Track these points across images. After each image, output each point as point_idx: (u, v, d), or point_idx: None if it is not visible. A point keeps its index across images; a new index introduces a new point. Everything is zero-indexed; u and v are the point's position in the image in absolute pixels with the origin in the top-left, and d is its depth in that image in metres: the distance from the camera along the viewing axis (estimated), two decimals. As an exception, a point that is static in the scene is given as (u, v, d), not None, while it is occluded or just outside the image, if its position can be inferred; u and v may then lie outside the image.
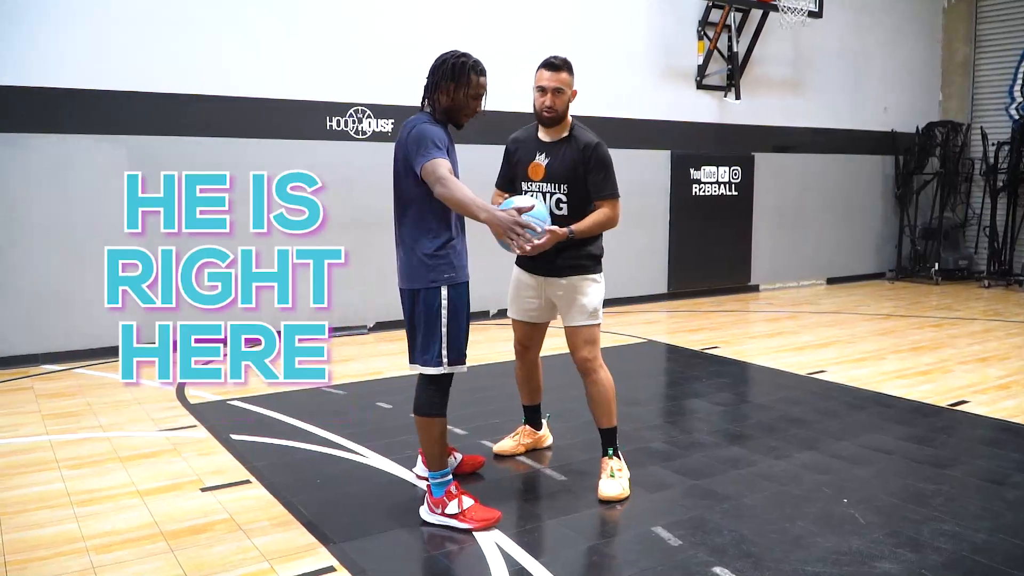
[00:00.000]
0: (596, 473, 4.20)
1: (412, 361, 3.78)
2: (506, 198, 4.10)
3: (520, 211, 3.49)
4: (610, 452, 4.19)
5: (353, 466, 4.50)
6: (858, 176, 12.40)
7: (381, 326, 8.22)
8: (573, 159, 4.10)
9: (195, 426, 5.22)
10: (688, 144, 10.50)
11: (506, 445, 4.65)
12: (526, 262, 4.25)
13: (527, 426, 4.70)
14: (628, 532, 3.74)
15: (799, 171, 11.68)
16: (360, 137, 8.12)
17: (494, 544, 3.54)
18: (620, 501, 4.00)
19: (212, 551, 3.49)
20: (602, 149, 4.11)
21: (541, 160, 4.15)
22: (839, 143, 12.05)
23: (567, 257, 4.13)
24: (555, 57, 4.12)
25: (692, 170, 10.55)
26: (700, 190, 10.64)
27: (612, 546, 3.62)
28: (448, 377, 3.72)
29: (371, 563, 3.39)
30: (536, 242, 3.68)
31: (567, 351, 4.25)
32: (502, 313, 8.98)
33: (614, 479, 4.08)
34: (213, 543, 3.57)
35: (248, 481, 4.28)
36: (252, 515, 3.86)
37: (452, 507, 3.71)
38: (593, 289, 4.18)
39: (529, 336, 4.45)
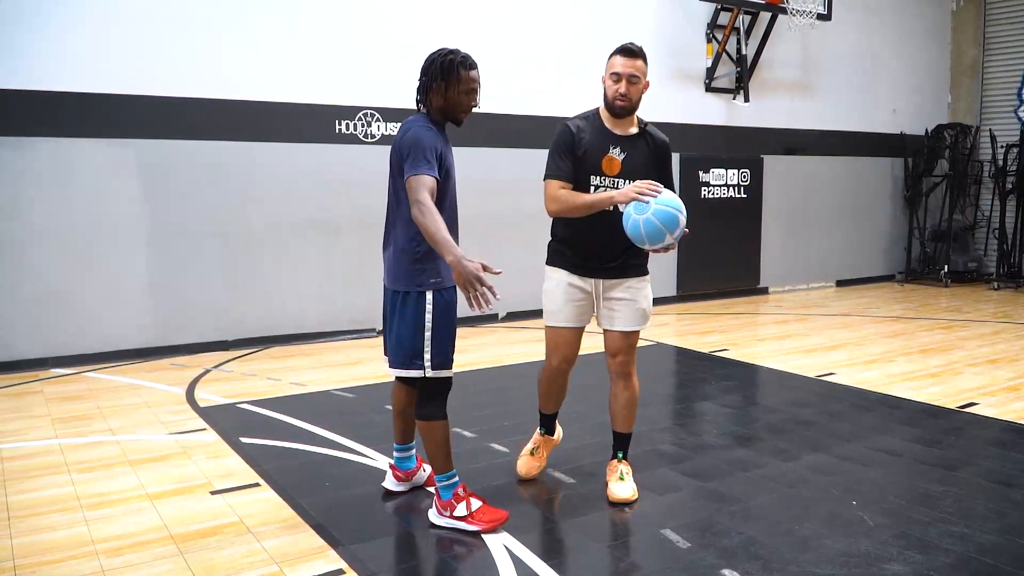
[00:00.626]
0: (604, 475, 4.21)
1: (392, 365, 3.71)
2: (570, 190, 3.89)
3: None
4: (621, 455, 4.19)
5: (362, 469, 4.51)
6: (867, 178, 12.38)
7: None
8: (650, 156, 4.01)
9: (204, 429, 5.23)
10: (697, 146, 10.50)
11: (532, 466, 4.36)
12: (579, 265, 4.02)
13: (544, 436, 4.44)
14: (637, 534, 3.74)
15: (808, 173, 11.67)
16: (369, 140, 8.13)
17: (503, 546, 3.54)
18: (630, 504, 4.00)
19: (221, 554, 3.50)
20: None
21: (616, 154, 3.94)
22: (848, 145, 12.04)
23: (631, 256, 4.01)
24: (632, 44, 3.94)
25: (701, 172, 10.55)
26: (709, 192, 10.64)
27: (621, 548, 3.61)
28: (446, 381, 3.71)
29: (380, 566, 3.40)
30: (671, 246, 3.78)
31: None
32: (511, 316, 8.98)
33: (624, 482, 4.07)
34: (223, 546, 3.58)
35: (257, 484, 4.29)
36: (261, 518, 3.87)
37: (460, 509, 3.70)
38: (649, 291, 4.11)
39: (576, 344, 4.16)
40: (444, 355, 3.66)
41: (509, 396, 5.80)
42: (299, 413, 5.51)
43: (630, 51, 3.92)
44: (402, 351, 3.64)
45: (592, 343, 4.57)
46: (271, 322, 7.87)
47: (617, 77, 3.89)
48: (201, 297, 7.49)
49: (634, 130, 4.02)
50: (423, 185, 3.39)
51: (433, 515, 3.79)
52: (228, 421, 5.38)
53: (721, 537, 3.63)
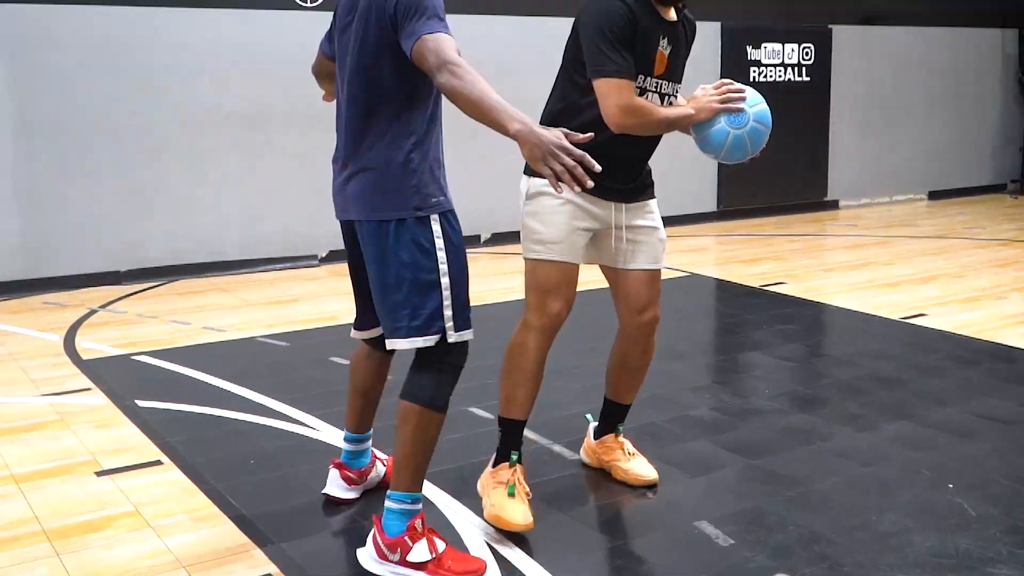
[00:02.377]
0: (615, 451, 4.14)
1: (393, 334, 3.32)
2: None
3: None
4: (620, 428, 4.15)
5: (299, 442, 4.50)
6: (970, 56, 12.32)
7: (336, 256, 8.16)
8: (684, 49, 3.97)
9: (89, 389, 5.22)
10: (743, 12, 10.41)
11: (528, 513, 3.70)
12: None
13: (519, 465, 3.82)
14: (663, 528, 3.73)
15: (892, 50, 11.60)
16: (309, 5, 8.01)
17: (484, 544, 3.53)
18: (654, 486, 3.98)
19: (111, 555, 3.47)
20: None
21: (664, 46, 3.82)
22: (944, 11, 11.93)
23: (648, 172, 4.02)
24: None
25: (749, 48, 10.51)
26: (760, 75, 10.59)
27: (643, 547, 3.61)
28: (464, 350, 3.37)
29: (321, 570, 3.39)
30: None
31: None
32: (496, 238, 8.97)
33: (640, 457, 4.07)
34: (112, 544, 3.55)
35: (159, 462, 4.27)
36: (165, 507, 3.84)
37: (418, 552, 3.24)
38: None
39: (576, 284, 3.93)
40: (466, 309, 3.34)
41: (495, 345, 5.74)
42: (215, 368, 5.49)
43: None
44: (411, 309, 3.25)
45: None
46: (178, 247, 7.83)
47: None
48: (85, 214, 7.45)
49: (674, 15, 3.90)
50: (446, 46, 3.06)
51: (368, 557, 3.34)
52: (120, 378, 5.37)
53: (775, 532, 3.63)
